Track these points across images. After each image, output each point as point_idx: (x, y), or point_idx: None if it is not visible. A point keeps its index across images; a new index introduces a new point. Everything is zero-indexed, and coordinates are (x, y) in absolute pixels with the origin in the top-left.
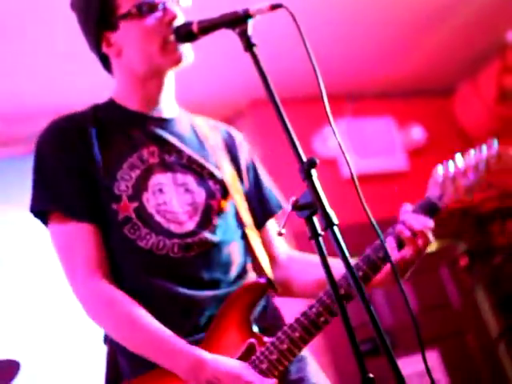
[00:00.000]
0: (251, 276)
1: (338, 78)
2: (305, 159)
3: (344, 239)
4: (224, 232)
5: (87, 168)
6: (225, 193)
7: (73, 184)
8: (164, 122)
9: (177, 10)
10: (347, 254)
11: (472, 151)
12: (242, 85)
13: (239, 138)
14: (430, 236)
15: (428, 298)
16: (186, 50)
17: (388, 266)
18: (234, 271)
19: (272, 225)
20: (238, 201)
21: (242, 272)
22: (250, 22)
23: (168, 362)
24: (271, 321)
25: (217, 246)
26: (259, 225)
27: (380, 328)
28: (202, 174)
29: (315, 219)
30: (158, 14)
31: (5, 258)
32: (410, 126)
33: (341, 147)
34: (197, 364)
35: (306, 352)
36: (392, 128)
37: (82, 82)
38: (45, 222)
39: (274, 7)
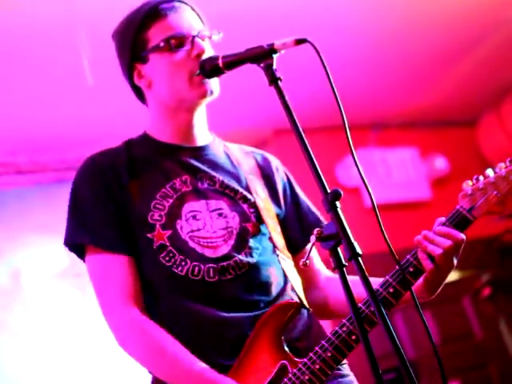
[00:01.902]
0: (291, 296)
1: (363, 107)
2: (329, 190)
3: (367, 268)
4: (261, 254)
5: (121, 202)
6: (259, 215)
7: (106, 217)
8: (196, 151)
9: (205, 45)
10: (371, 284)
11: (502, 163)
12: (267, 114)
13: (275, 162)
14: (459, 250)
15: (450, 328)
16: (213, 83)
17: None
18: (273, 292)
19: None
20: (270, 224)
21: (282, 292)
22: (275, 57)
23: None
24: (314, 340)
25: (254, 268)
26: (300, 246)
27: (404, 357)
28: (235, 198)
29: (339, 250)
30: (186, 47)
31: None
32: (433, 156)
33: (362, 176)
34: None
35: (348, 372)
36: (416, 158)
37: (109, 114)
38: (81, 254)
39: (299, 42)
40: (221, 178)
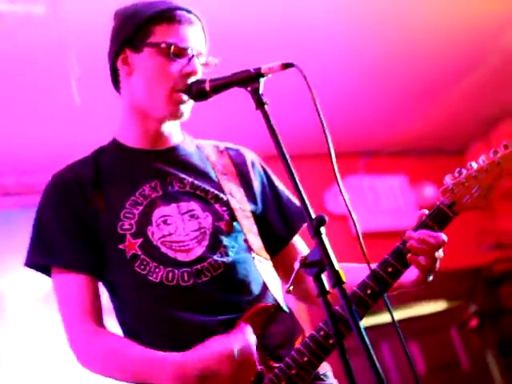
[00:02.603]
0: (273, 295)
1: (353, 134)
2: (314, 216)
3: None
4: (237, 252)
5: (87, 217)
6: (233, 214)
7: (68, 237)
8: (165, 154)
9: (199, 68)
10: (355, 312)
11: (483, 155)
12: (255, 140)
13: (250, 156)
14: (440, 252)
15: (437, 358)
16: (188, 107)
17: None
18: (254, 291)
19: (298, 240)
20: (245, 225)
21: (264, 291)
22: (262, 81)
23: (155, 377)
24: (288, 342)
25: (230, 267)
26: (284, 237)
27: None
28: (206, 198)
29: (323, 277)
30: (183, 61)
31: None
32: (423, 184)
33: (346, 204)
34: (180, 365)
35: (333, 380)
36: (405, 186)
37: (97, 135)
38: (47, 273)
39: (286, 66)
40: (191, 179)
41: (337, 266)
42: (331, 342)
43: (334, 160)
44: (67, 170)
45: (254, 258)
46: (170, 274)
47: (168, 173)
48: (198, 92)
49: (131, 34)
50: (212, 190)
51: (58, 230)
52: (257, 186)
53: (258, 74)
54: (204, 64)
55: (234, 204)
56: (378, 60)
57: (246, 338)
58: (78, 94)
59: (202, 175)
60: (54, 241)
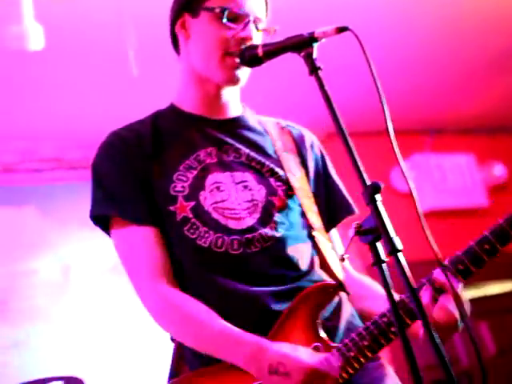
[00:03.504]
0: (319, 274)
1: (419, 112)
2: (368, 183)
3: (417, 272)
4: (287, 229)
5: (144, 175)
6: (288, 190)
7: (130, 190)
8: (223, 124)
9: (255, 34)
10: (411, 280)
11: None
12: (321, 116)
13: (310, 138)
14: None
15: (507, 339)
16: (244, 72)
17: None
18: (301, 267)
19: (334, 233)
20: (305, 203)
21: (310, 269)
22: (316, 46)
23: (229, 354)
24: (344, 323)
25: (280, 242)
26: (326, 230)
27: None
28: (261, 171)
29: (379, 245)
30: (237, 27)
31: (73, 278)
32: (491, 163)
33: (408, 183)
34: (258, 350)
35: (385, 363)
36: (472, 164)
37: (156, 107)
38: (106, 228)
39: (340, 30)
40: (247, 150)
41: (393, 233)
42: (393, 329)
43: (392, 137)
44: (126, 128)
45: (314, 236)
46: (220, 241)
47: (224, 141)
48: (251, 57)
49: None
50: (268, 163)
51: (120, 183)
52: (312, 168)
53: (312, 39)
54: (263, 30)
55: (293, 182)
56: (441, 33)
57: (333, 366)
58: (135, 65)
59: (260, 149)
60: (116, 193)
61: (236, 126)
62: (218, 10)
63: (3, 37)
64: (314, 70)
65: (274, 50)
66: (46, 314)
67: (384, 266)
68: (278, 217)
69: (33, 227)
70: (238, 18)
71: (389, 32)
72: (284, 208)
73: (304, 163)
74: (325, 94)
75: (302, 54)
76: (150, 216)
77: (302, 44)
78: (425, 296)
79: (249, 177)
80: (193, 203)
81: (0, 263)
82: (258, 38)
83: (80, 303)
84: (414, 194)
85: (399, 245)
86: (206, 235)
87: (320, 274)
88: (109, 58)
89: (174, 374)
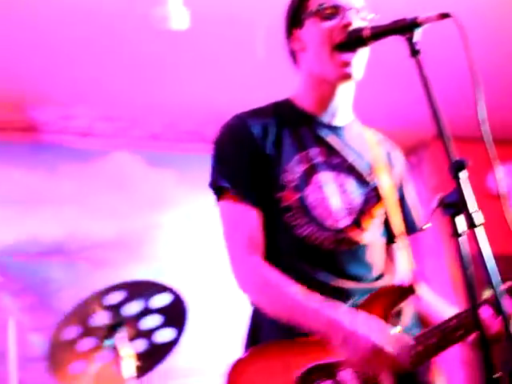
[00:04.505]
0: (389, 279)
1: None
2: (455, 159)
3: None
4: (372, 236)
5: (260, 158)
6: (378, 200)
7: (247, 170)
8: (333, 129)
9: (354, 21)
10: (490, 254)
11: None
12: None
13: (398, 154)
14: None
15: None
16: (356, 66)
17: None
18: (375, 271)
19: (397, 246)
20: (391, 213)
21: (382, 273)
22: (418, 30)
23: (308, 321)
24: (412, 324)
25: (364, 247)
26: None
27: None
28: (361, 178)
29: (460, 218)
30: (337, 19)
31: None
32: None
33: (498, 189)
34: (334, 321)
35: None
36: None
37: (278, 90)
38: (217, 196)
39: (443, 16)
40: (351, 157)
41: (473, 208)
42: (459, 333)
43: (488, 139)
44: (250, 113)
45: (394, 243)
46: (315, 235)
47: (333, 145)
48: (357, 39)
49: (292, 14)
50: (367, 173)
51: (239, 164)
52: (397, 181)
53: (415, 23)
54: (361, 18)
55: (382, 190)
56: None
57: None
58: (262, 48)
59: (361, 157)
60: (235, 171)
61: (344, 133)
62: (315, 10)
63: (150, 17)
64: (414, 53)
65: (378, 32)
66: (169, 256)
67: (462, 239)
68: (367, 223)
69: (170, 188)
70: (336, 11)
71: (496, 26)
72: (373, 215)
73: (392, 175)
74: (424, 79)
75: (405, 36)
76: (258, 199)
77: (404, 28)
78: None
79: (350, 182)
80: (297, 195)
81: (137, 216)
82: (359, 25)
83: (199, 250)
84: (504, 196)
85: (479, 220)
86: (304, 227)
87: (394, 277)
88: (242, 41)
89: (250, 342)
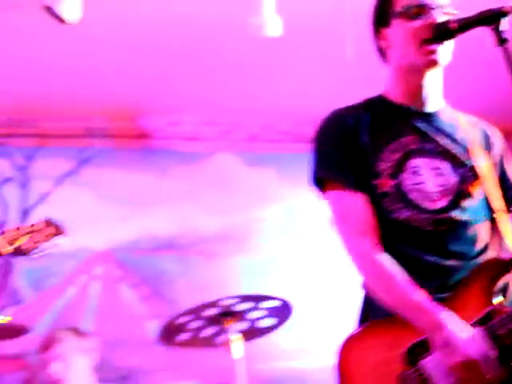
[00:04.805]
0: (492, 254)
1: None
2: None
3: None
4: (472, 213)
5: (356, 148)
6: (475, 180)
7: (347, 160)
8: (425, 116)
9: (440, 18)
10: None
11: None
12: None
13: (496, 134)
14: None
15: None
16: (443, 52)
17: None
18: (477, 247)
19: (498, 222)
20: (491, 188)
21: (484, 249)
22: (505, 19)
23: (412, 318)
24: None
25: (465, 225)
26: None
27: None
28: (455, 161)
29: None
30: (424, 17)
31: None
32: None
33: None
34: (436, 325)
35: None
36: None
37: (368, 89)
38: (321, 189)
39: None
40: (444, 141)
41: None
42: None
43: None
44: (345, 108)
45: (495, 218)
46: (413, 217)
47: (425, 132)
48: (444, 31)
49: (378, 14)
50: (462, 155)
51: (340, 154)
52: (496, 159)
53: (501, 13)
54: (446, 14)
55: (480, 171)
56: None
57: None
58: (352, 50)
59: (455, 141)
60: (334, 161)
61: (436, 118)
62: (402, 10)
63: (247, 26)
64: (502, 41)
65: (465, 24)
66: (271, 249)
67: None
68: (465, 202)
69: (270, 185)
70: (422, 10)
71: None
72: (471, 195)
73: (490, 154)
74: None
75: (492, 27)
76: (361, 184)
77: (492, 17)
78: None
79: (444, 165)
80: (393, 182)
81: (242, 212)
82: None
83: (299, 242)
84: None
85: None
86: (402, 211)
87: (495, 252)
88: (331, 44)
89: (362, 320)
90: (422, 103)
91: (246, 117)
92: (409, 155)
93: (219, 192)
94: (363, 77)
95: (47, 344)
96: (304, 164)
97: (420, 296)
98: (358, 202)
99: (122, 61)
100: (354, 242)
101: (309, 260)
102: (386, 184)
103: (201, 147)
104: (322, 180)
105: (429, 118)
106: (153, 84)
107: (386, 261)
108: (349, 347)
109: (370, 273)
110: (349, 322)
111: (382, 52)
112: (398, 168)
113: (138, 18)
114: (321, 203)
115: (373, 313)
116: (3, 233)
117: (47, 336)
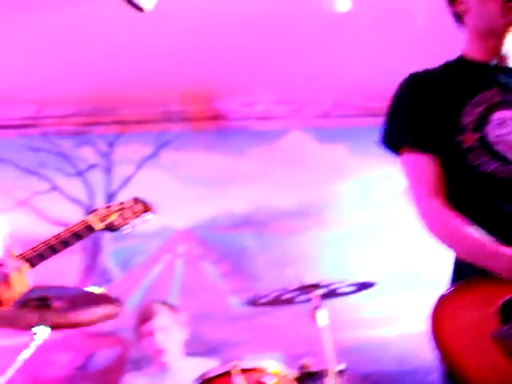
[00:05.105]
0: None
1: None
2: None
3: None
4: None
5: (436, 107)
6: None
7: (419, 123)
8: (506, 71)
9: None
10: None
11: None
12: None
13: None
14: None
15: None
16: None
17: None
18: None
19: None
20: None
21: None
22: None
23: (490, 263)
24: None
25: None
26: None
27: None
28: None
29: None
30: None
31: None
32: None
33: None
34: None
35: None
36: None
37: (438, 61)
38: (395, 152)
39: None
40: None
41: None
42: None
43: None
44: (422, 71)
45: None
46: (501, 169)
47: (507, 83)
48: None
49: None
50: None
51: (412, 116)
52: None
53: None
54: None
55: None
56: None
57: None
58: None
59: None
60: (408, 124)
61: None
62: None
63: (316, 2)
64: None
65: None
66: (348, 223)
67: None
68: None
69: (343, 160)
70: None
71: None
72: None
73: None
74: None
75: None
76: (434, 146)
77: None
78: None
79: None
80: (478, 135)
81: (316, 187)
82: None
83: (375, 215)
84: None
85: None
86: (488, 164)
87: None
88: (400, 16)
89: (453, 280)
90: (502, 59)
91: (316, 94)
92: (492, 108)
93: (293, 169)
94: (433, 49)
95: (146, 316)
96: (375, 138)
97: (494, 244)
98: (429, 165)
99: (194, 46)
100: (423, 203)
101: (386, 232)
102: (470, 138)
103: (274, 126)
104: (395, 144)
105: (509, 71)
106: (226, 66)
107: (455, 215)
108: (442, 305)
109: (438, 229)
110: (429, 291)
111: (458, 17)
112: (482, 121)
113: (211, 0)
114: (393, 176)
115: (463, 272)
116: (95, 211)
117: (144, 309)
